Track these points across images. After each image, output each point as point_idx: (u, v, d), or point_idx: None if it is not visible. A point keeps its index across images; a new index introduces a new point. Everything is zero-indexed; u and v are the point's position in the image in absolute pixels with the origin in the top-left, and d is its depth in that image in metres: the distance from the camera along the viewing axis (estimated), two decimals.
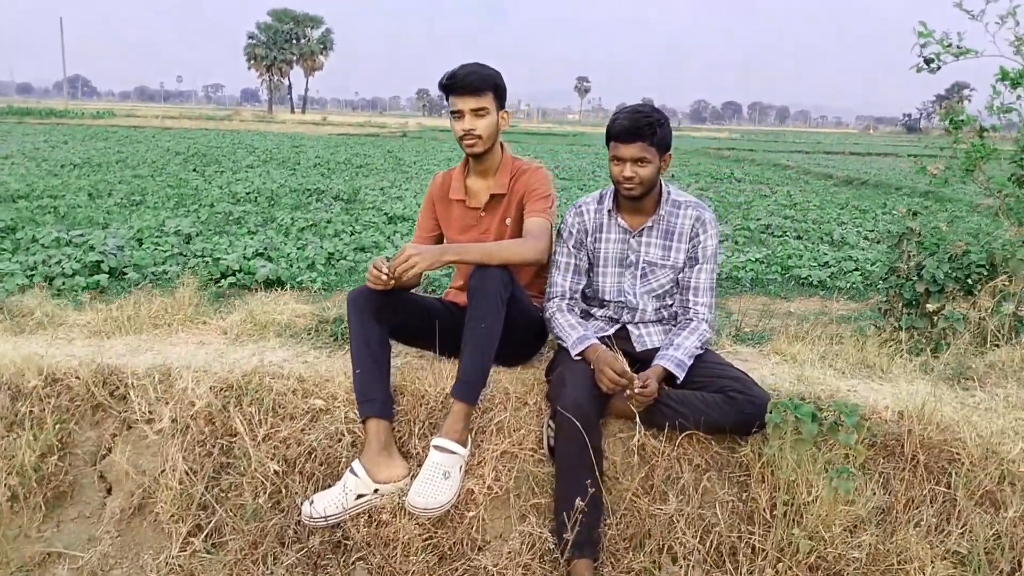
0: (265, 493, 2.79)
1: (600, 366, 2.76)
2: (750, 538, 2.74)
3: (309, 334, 3.53)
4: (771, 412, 2.63)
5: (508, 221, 3.16)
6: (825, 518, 2.68)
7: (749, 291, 7.72)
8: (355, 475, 2.74)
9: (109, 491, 2.96)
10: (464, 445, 2.79)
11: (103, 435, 2.98)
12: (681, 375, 2.87)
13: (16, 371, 2.99)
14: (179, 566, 2.72)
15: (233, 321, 3.62)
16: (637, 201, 3.03)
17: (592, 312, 3.23)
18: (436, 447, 2.75)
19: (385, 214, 11.40)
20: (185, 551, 2.75)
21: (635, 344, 3.10)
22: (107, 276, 6.69)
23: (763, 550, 2.70)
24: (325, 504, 2.70)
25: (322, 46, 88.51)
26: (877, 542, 2.69)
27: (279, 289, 5.24)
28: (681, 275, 3.09)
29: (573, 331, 2.98)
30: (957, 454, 2.85)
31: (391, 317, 2.95)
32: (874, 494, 2.79)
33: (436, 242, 3.31)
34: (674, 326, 3.09)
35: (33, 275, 6.41)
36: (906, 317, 3.82)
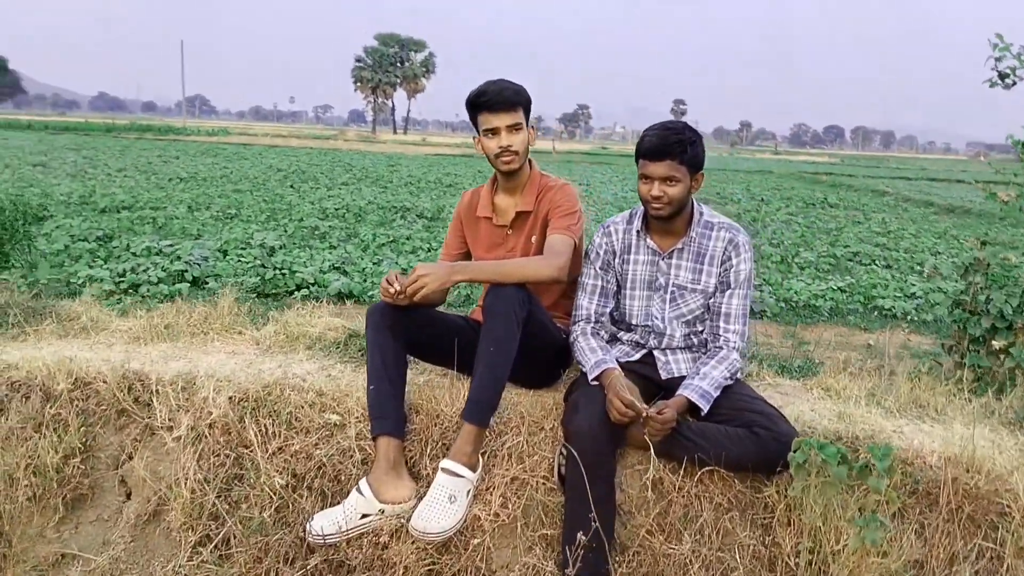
0: (271, 507, 2.79)
1: (609, 394, 2.65)
2: None
3: (338, 347, 3.54)
4: (795, 451, 2.47)
5: (534, 239, 3.10)
6: (853, 570, 2.49)
7: (828, 320, 7.39)
8: (361, 494, 2.70)
9: (128, 496, 3.01)
10: (473, 469, 2.73)
11: (126, 440, 3.04)
12: (705, 407, 2.73)
13: (48, 374, 3.09)
14: (183, 575, 2.73)
15: (267, 332, 3.66)
16: (667, 222, 2.92)
17: (619, 336, 3.13)
18: (443, 470, 2.69)
19: None
20: (192, 561, 2.76)
21: (661, 371, 2.98)
22: (189, 285, 6.84)
23: None
24: (324, 523, 2.68)
25: (424, 69, 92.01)
26: None
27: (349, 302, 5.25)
28: (712, 300, 2.95)
29: (592, 355, 2.89)
30: (1008, 507, 2.61)
31: (409, 333, 2.92)
32: (911, 546, 2.58)
33: (462, 259, 3.26)
34: (703, 354, 2.95)
35: (121, 281, 6.60)
36: (970, 355, 3.55)
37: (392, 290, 2.76)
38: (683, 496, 2.73)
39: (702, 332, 3.00)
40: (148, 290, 6.53)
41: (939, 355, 3.80)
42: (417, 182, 19.78)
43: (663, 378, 2.97)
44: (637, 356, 3.05)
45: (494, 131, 2.97)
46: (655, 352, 3.03)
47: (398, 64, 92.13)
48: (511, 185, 3.14)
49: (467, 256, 3.28)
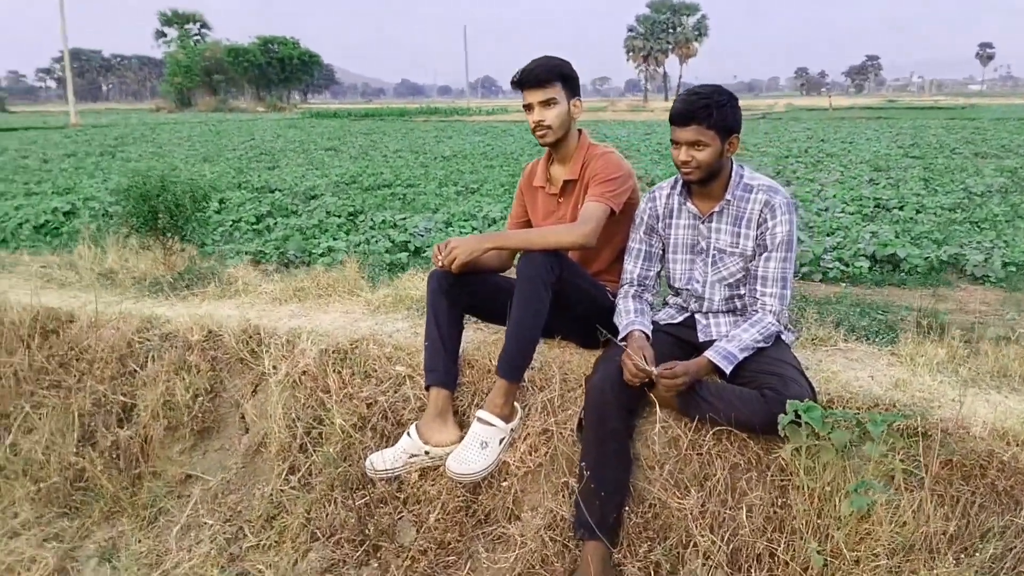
0: (341, 444, 3.28)
1: (623, 355, 2.83)
2: (775, 548, 2.64)
3: None
4: (782, 413, 2.52)
5: (580, 206, 3.30)
6: (861, 537, 2.51)
7: None
8: (409, 437, 3.12)
9: (247, 431, 3.66)
10: (506, 420, 3.04)
11: (245, 383, 3.69)
12: (728, 368, 2.82)
13: (188, 327, 3.80)
14: (274, 498, 3.32)
15: (380, 295, 4.18)
16: (704, 185, 3.01)
17: (667, 300, 3.26)
18: (478, 418, 3.04)
19: None
20: (283, 486, 3.34)
21: (699, 334, 3.10)
22: (408, 255, 7.51)
23: (785, 561, 2.60)
24: (378, 460, 3.12)
25: (697, 32, 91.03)
26: (923, 573, 2.44)
27: None
28: (751, 264, 3.00)
29: (626, 317, 3.07)
30: None
31: (465, 296, 3.26)
32: (937, 517, 2.52)
33: (526, 227, 3.54)
34: (744, 317, 3.02)
35: (357, 251, 7.39)
36: None
37: (440, 261, 3.11)
38: (700, 454, 2.85)
39: (744, 296, 3.06)
40: (372, 259, 7.29)
41: None
42: (643, 147, 19.75)
43: (700, 340, 3.07)
44: (680, 319, 3.18)
45: (529, 107, 3.22)
46: (696, 315, 3.14)
47: (670, 30, 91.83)
48: (560, 156, 3.36)
49: (530, 224, 3.55)
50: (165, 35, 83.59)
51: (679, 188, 3.12)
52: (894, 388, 2.94)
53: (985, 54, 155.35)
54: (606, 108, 64.15)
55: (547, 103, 3.21)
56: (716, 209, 3.03)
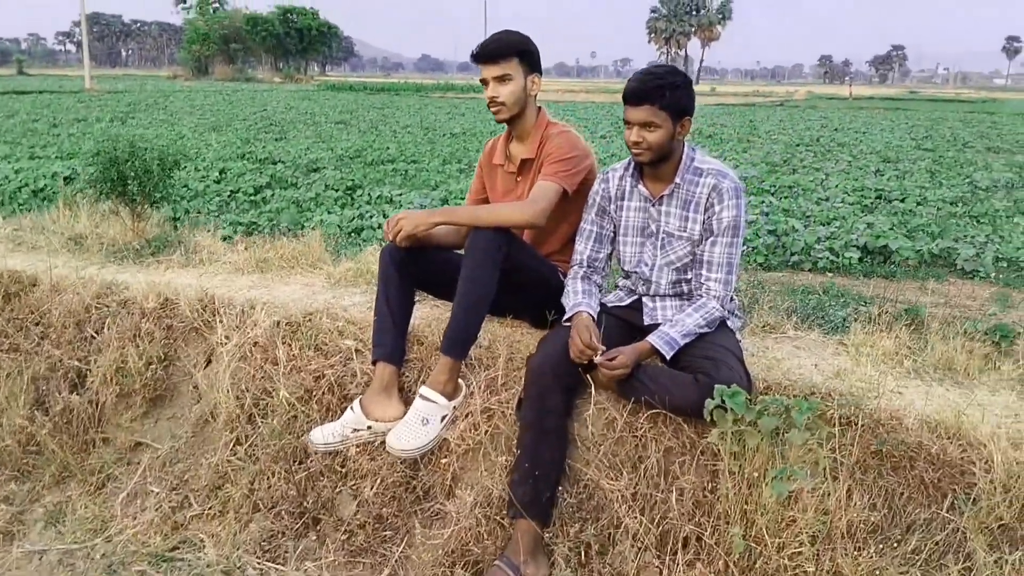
0: (286, 417, 3.33)
1: (571, 334, 2.87)
2: (703, 532, 2.69)
3: None
4: (712, 398, 2.56)
5: None
6: (782, 525, 2.55)
7: None
8: (352, 411, 3.17)
9: (199, 400, 3.72)
10: (449, 397, 3.09)
11: (199, 352, 3.75)
12: (668, 353, 2.86)
13: (143, 295, 3.86)
14: (219, 468, 3.38)
15: (342, 268, 4.23)
16: (655, 167, 3.03)
17: (618, 282, 3.30)
18: (420, 395, 3.09)
19: None
20: (229, 457, 3.40)
21: (645, 317, 3.13)
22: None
23: (711, 545, 2.64)
24: (323, 434, 3.18)
25: (720, 16, 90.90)
26: (845, 563, 2.49)
27: None
28: (698, 248, 3.03)
29: (573, 297, 3.11)
30: (974, 475, 2.50)
31: (418, 271, 3.30)
32: (862, 507, 2.56)
33: (484, 203, 3.57)
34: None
35: (351, 227, 7.43)
36: None
37: (390, 235, 3.15)
38: (635, 436, 2.89)
39: (692, 280, 3.09)
40: (367, 235, 7.33)
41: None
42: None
43: (645, 323, 3.11)
44: (628, 302, 3.22)
45: (484, 82, 3.24)
46: (644, 298, 3.17)
47: (693, 12, 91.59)
48: (517, 133, 3.39)
49: (488, 201, 3.58)
50: (184, 1, 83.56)
51: (631, 170, 3.15)
52: (835, 377, 2.97)
53: (1012, 48, 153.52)
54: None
55: (502, 79, 3.23)
56: (666, 192, 3.05)
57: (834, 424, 2.69)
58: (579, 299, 3.09)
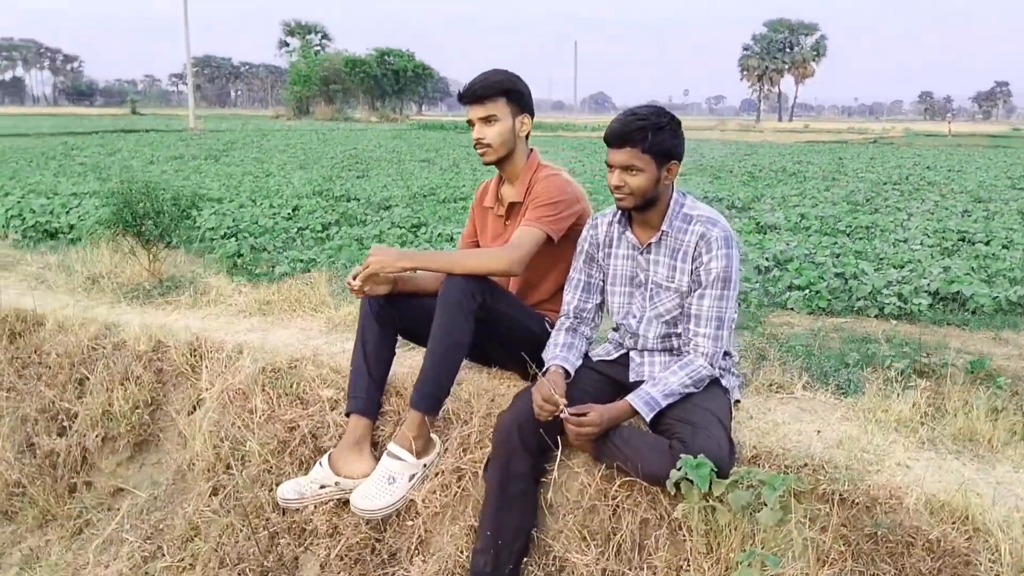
0: (259, 468, 3.25)
1: (534, 388, 2.71)
2: None
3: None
4: (678, 469, 2.35)
5: None
6: None
7: None
8: (321, 467, 3.06)
9: (184, 447, 3.68)
10: (419, 455, 2.95)
11: (184, 398, 3.72)
12: (648, 414, 2.67)
13: (135, 337, 3.87)
14: (192, 519, 3.32)
15: (343, 312, 4.16)
16: (642, 213, 2.87)
17: (608, 335, 3.12)
18: (387, 452, 2.96)
19: (757, 223, 10.76)
20: (205, 506, 3.34)
21: (631, 373, 2.94)
22: None
23: None
24: (291, 489, 3.08)
25: (815, 53, 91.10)
26: None
27: None
28: (686, 301, 2.83)
29: (552, 350, 2.95)
30: (979, 567, 2.22)
31: (398, 319, 3.20)
32: None
33: (475, 247, 3.45)
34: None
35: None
36: None
37: (355, 286, 3.05)
38: (608, 505, 2.70)
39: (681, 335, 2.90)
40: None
41: None
42: (759, 171, 19.03)
43: (631, 380, 2.92)
44: (616, 356, 3.03)
45: (470, 123, 3.14)
46: (631, 353, 2.99)
47: (786, 49, 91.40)
48: (507, 175, 3.27)
49: (479, 244, 3.46)
50: (288, 44, 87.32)
51: (619, 216, 2.98)
52: (836, 446, 2.71)
53: None
54: (715, 127, 63.11)
55: (487, 120, 3.12)
56: (653, 240, 2.88)
57: (826, 501, 2.45)
58: (556, 352, 2.93)
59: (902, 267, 7.34)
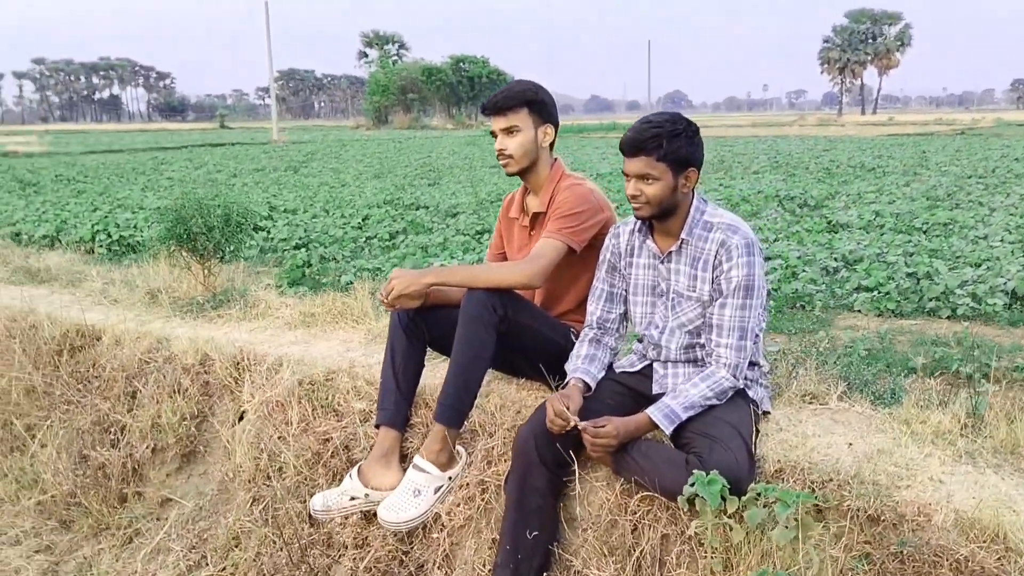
0: (294, 480, 3.33)
1: (548, 401, 2.70)
2: None
3: None
4: (691, 484, 2.31)
5: None
6: None
7: None
8: (351, 479, 3.11)
9: (230, 458, 3.79)
10: (443, 467, 2.98)
11: (229, 410, 3.83)
12: (668, 428, 2.63)
13: (183, 351, 3.99)
14: (233, 529, 3.41)
15: (382, 324, 4.21)
16: (661, 222, 2.83)
17: (633, 346, 3.09)
18: (413, 464, 2.99)
19: (828, 221, 10.48)
20: (245, 516, 3.43)
21: (655, 385, 2.90)
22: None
23: None
24: (323, 500, 3.14)
25: (899, 43, 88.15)
26: None
27: None
28: (708, 310, 2.79)
29: (573, 362, 2.94)
30: None
31: (427, 332, 3.23)
32: None
33: (503, 259, 3.46)
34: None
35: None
36: None
37: (385, 301, 3.10)
38: (628, 520, 2.67)
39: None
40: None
41: None
42: (835, 166, 18.51)
43: (653, 392, 2.88)
44: (639, 367, 3.00)
45: (493, 134, 3.15)
46: (655, 364, 2.95)
47: (869, 40, 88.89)
48: (530, 186, 3.27)
49: (506, 256, 3.46)
50: (367, 55, 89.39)
51: (640, 225, 2.95)
52: (867, 460, 2.62)
53: None
54: (793, 123, 61.62)
55: (509, 131, 3.14)
56: (673, 248, 2.84)
57: (851, 518, 2.37)
58: (577, 363, 2.92)
59: (979, 265, 7.05)
